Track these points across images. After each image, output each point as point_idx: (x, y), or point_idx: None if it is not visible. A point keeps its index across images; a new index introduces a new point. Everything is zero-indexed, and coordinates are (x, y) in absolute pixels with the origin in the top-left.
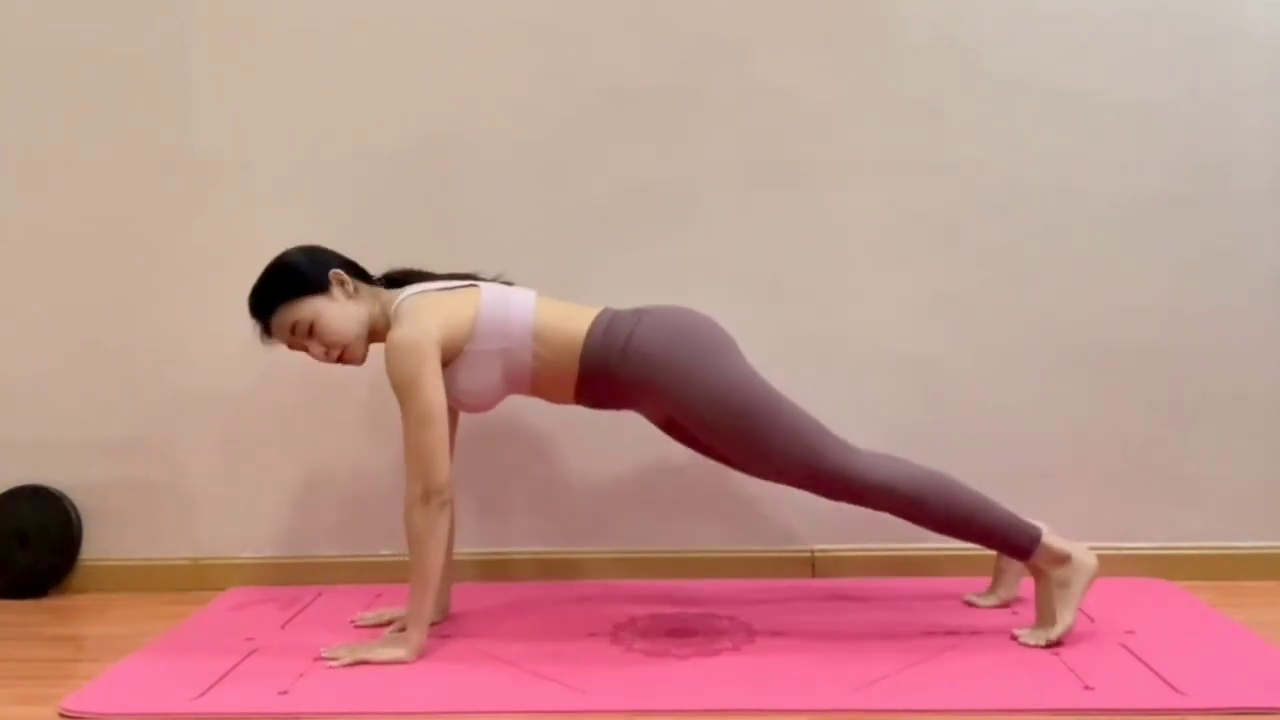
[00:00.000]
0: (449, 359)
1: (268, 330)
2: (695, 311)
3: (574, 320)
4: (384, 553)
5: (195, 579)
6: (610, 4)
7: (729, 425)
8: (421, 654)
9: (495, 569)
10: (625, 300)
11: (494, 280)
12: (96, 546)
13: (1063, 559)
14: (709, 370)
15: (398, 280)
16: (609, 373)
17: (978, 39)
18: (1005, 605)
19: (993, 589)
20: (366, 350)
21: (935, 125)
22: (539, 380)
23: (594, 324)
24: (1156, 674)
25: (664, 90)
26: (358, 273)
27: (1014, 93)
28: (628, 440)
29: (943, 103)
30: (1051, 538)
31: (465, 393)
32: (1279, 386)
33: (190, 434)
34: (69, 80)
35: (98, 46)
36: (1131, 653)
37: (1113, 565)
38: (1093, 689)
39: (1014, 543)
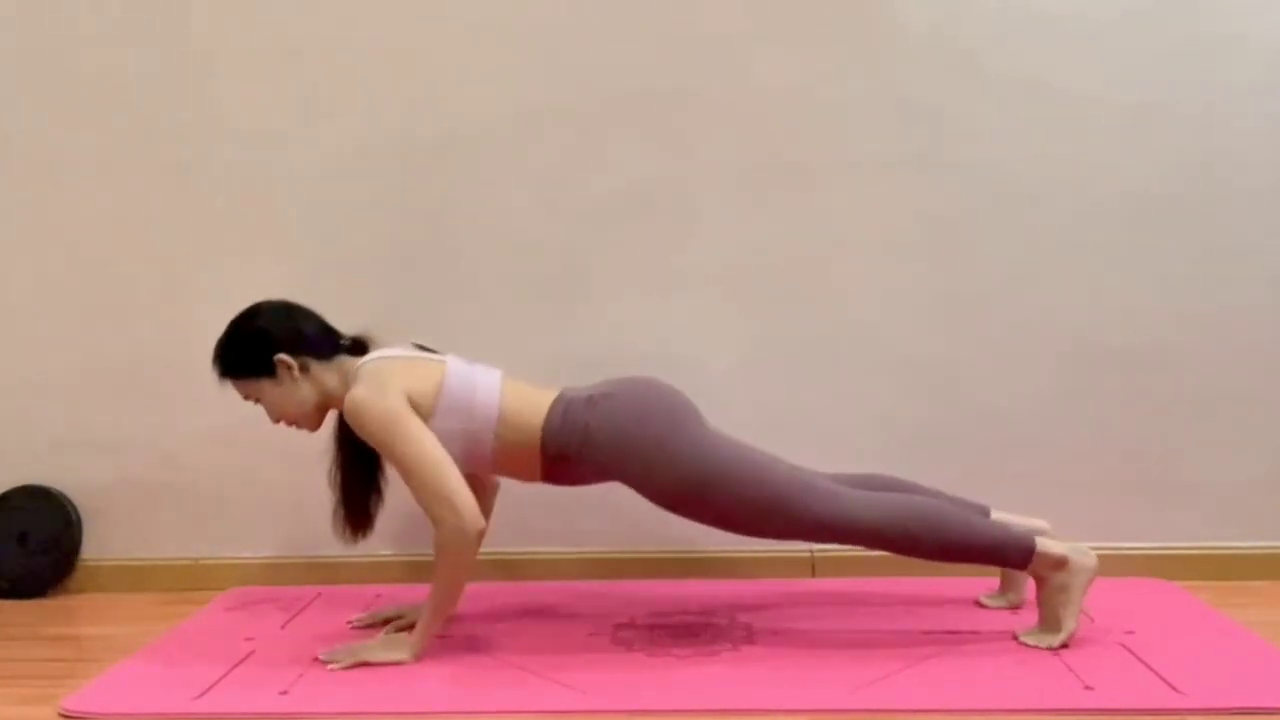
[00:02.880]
0: None
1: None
2: (654, 386)
3: (533, 405)
4: (384, 553)
5: (195, 579)
6: (610, 4)
7: (698, 502)
8: (421, 658)
9: (495, 569)
10: (626, 299)
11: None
12: (96, 546)
13: (1060, 564)
14: (669, 452)
15: (365, 348)
16: (570, 461)
17: (978, 39)
18: (1015, 608)
19: (1002, 591)
20: (319, 421)
21: (935, 125)
22: (500, 462)
23: (550, 412)
24: (1156, 674)
25: (664, 90)
26: (320, 344)
27: (1014, 93)
28: None
29: (943, 103)
30: (1046, 544)
31: None
32: (1278, 387)
33: (190, 434)
34: (72, 84)
35: (99, 50)
36: (1131, 653)
37: (1113, 565)
38: (1093, 689)
39: (1009, 558)
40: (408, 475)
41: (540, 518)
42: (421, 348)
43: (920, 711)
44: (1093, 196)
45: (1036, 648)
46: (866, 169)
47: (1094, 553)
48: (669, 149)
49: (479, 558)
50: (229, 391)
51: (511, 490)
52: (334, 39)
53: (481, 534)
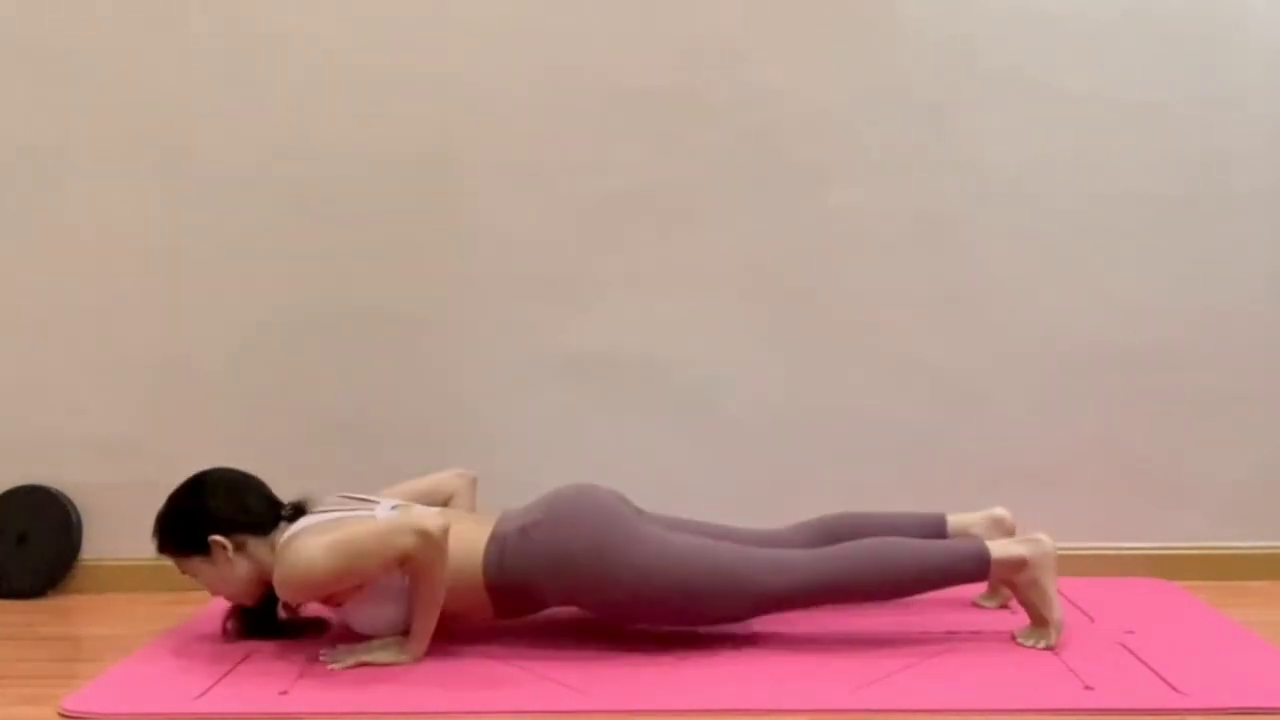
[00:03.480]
0: (346, 594)
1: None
2: (581, 501)
3: (469, 549)
4: None
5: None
6: (610, 4)
7: (653, 607)
8: (421, 659)
9: None
10: (626, 299)
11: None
12: (96, 546)
13: (1020, 564)
14: (612, 570)
15: (302, 511)
16: (519, 598)
17: (978, 39)
18: (1008, 606)
19: (992, 592)
20: (259, 595)
21: (935, 125)
22: (449, 604)
23: (486, 555)
24: (1156, 674)
25: (663, 90)
26: (259, 521)
27: (1014, 93)
28: (626, 440)
29: (943, 103)
30: (1000, 550)
31: (370, 626)
32: (1278, 386)
33: (190, 434)
34: (71, 83)
35: (98, 50)
36: (1131, 653)
37: (1113, 565)
38: (1093, 689)
39: (968, 574)
40: (365, 563)
41: None
42: (350, 497)
43: (920, 711)
44: (1093, 196)
45: (1035, 648)
46: (867, 169)
47: (1049, 538)
48: (669, 149)
49: None
50: (229, 391)
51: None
52: (334, 39)
53: (446, 532)
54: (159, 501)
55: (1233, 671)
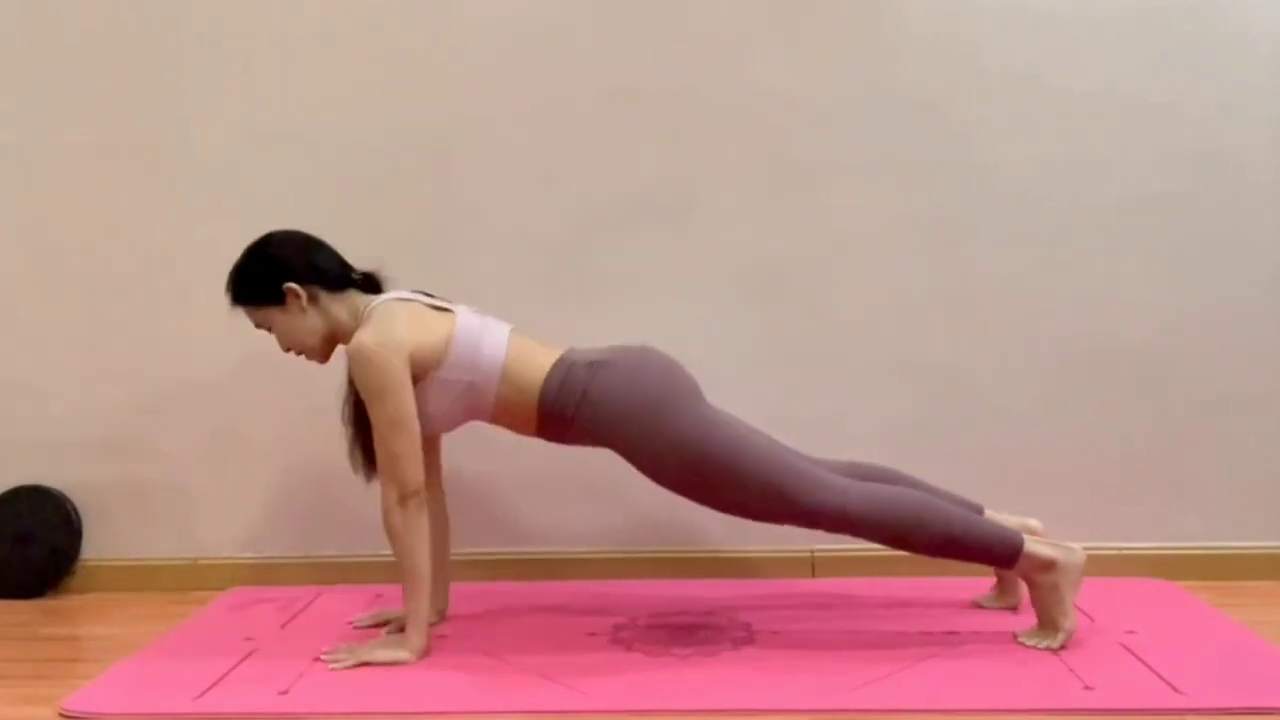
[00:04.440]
0: (415, 379)
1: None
2: (654, 357)
3: (536, 364)
4: (384, 553)
5: (195, 579)
6: (611, 4)
7: (689, 478)
8: (423, 655)
9: (495, 569)
10: (627, 299)
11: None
12: (96, 546)
13: (1048, 566)
14: (664, 425)
15: (377, 285)
16: (566, 423)
17: (978, 39)
18: (1012, 608)
19: (999, 593)
20: (328, 354)
21: (935, 125)
22: (499, 415)
23: (551, 372)
24: (1156, 674)
25: (664, 90)
26: (331, 276)
27: (1014, 92)
28: None
29: (943, 102)
30: (1035, 545)
31: (427, 416)
32: (1278, 386)
33: (190, 434)
34: (69, 83)
35: (95, 48)
36: (1131, 653)
37: (1113, 565)
38: (1093, 689)
39: (996, 556)
40: (376, 433)
41: (540, 518)
42: (433, 297)
43: (920, 711)
44: (1093, 196)
45: (1036, 648)
46: (866, 169)
47: (1081, 549)
48: (669, 149)
49: (473, 556)
50: (229, 392)
51: (511, 490)
52: (334, 37)
53: (422, 506)
54: (159, 501)
55: (1233, 671)
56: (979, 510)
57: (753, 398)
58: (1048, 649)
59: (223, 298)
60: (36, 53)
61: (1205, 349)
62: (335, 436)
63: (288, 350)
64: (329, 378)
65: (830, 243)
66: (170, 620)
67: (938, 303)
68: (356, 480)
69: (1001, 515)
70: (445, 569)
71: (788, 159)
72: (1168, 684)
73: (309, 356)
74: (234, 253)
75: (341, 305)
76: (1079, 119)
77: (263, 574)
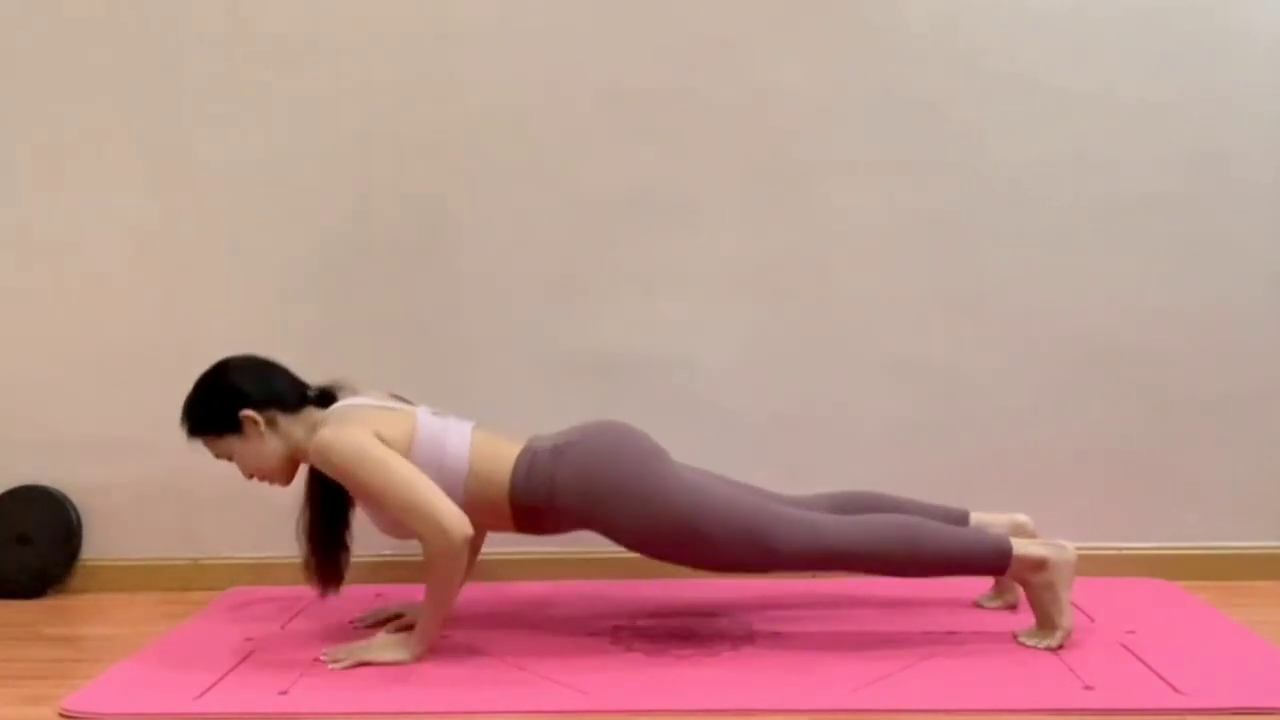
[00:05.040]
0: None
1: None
2: (614, 431)
3: (501, 459)
4: (385, 553)
5: (195, 579)
6: (610, 4)
7: (671, 545)
8: (422, 659)
9: (495, 569)
10: (626, 299)
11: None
12: (96, 546)
13: (1040, 565)
14: (636, 497)
15: (333, 398)
16: (540, 513)
17: (978, 39)
18: (1012, 608)
19: (998, 592)
20: (292, 474)
21: (935, 125)
22: (470, 515)
23: (516, 465)
24: (1156, 674)
25: (664, 90)
26: (287, 398)
27: (1014, 92)
28: None
29: (943, 103)
30: (1024, 547)
31: (390, 520)
32: (1278, 386)
33: None
34: (69, 82)
35: (94, 44)
36: (1131, 653)
37: (1113, 565)
38: (1093, 689)
39: (987, 565)
40: (386, 502)
41: None
42: (395, 396)
43: (920, 711)
44: (1093, 196)
45: (1036, 648)
46: (866, 169)
47: (1072, 546)
48: (669, 149)
49: (480, 558)
50: None
51: None
52: (332, 37)
53: (468, 539)
54: (159, 502)
55: (1233, 671)
56: (964, 515)
57: (753, 398)
58: (1047, 648)
59: (223, 297)
60: (37, 51)
61: (1205, 349)
62: None
63: (250, 477)
64: (328, 377)
65: (830, 243)
66: (170, 620)
67: (938, 303)
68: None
69: (989, 515)
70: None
71: (788, 159)
72: (1168, 684)
73: (272, 480)
74: (234, 252)
75: (299, 424)
76: (1079, 119)
77: (263, 574)
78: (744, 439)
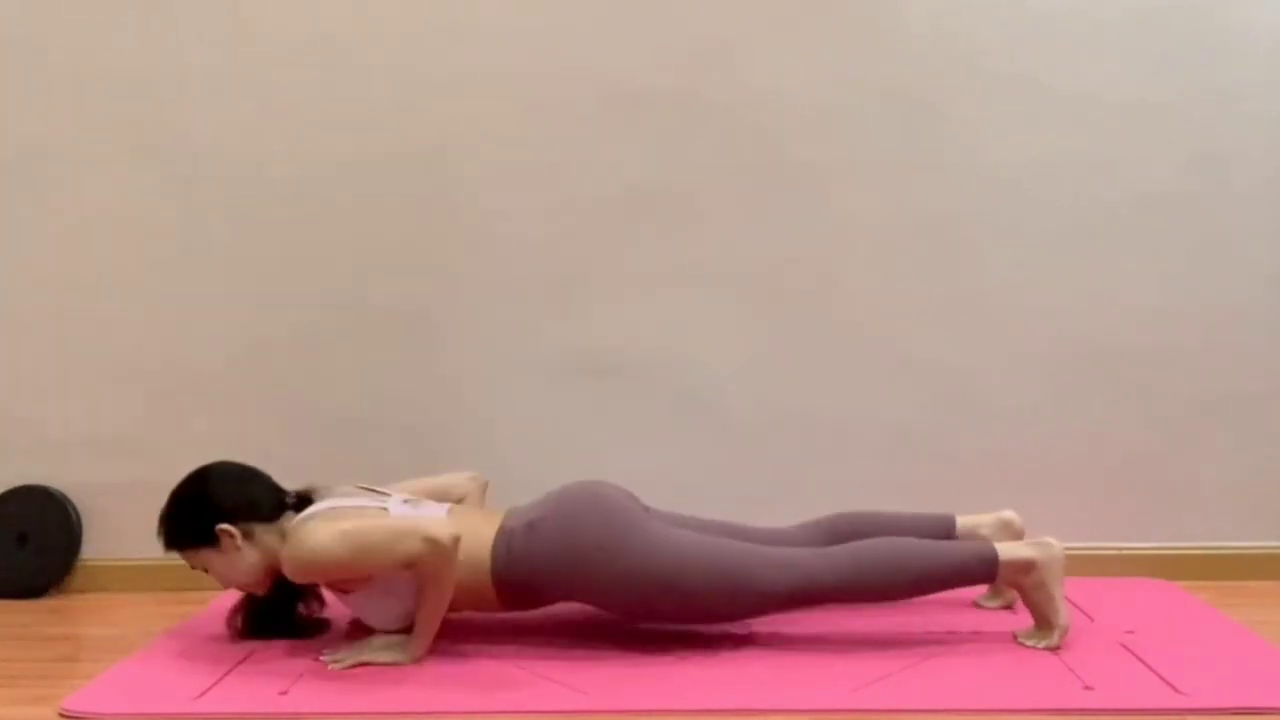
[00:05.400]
0: (355, 583)
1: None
2: (587, 496)
3: (480, 541)
4: None
5: (195, 579)
6: (610, 4)
7: (660, 603)
8: (421, 659)
9: None
10: (626, 299)
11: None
12: (96, 546)
13: (1028, 567)
14: (618, 564)
15: (309, 500)
16: (526, 592)
17: (978, 39)
18: (1009, 607)
19: (995, 593)
20: (269, 583)
21: (935, 125)
22: (456, 602)
23: (494, 549)
24: (1156, 674)
25: (664, 90)
26: (264, 509)
27: (1014, 92)
28: (626, 440)
29: (942, 102)
30: (1009, 551)
31: (378, 619)
32: (1278, 387)
33: (190, 434)
34: (68, 81)
35: (96, 48)
36: (1131, 653)
37: (1113, 565)
38: (1093, 689)
39: (976, 576)
40: (373, 552)
41: None
42: (365, 489)
43: (920, 711)
44: (1093, 196)
45: (1036, 648)
46: (866, 169)
47: (1058, 543)
48: (669, 149)
49: None
50: (229, 391)
51: (513, 491)
52: (331, 39)
53: (457, 539)
54: (159, 501)
55: (1233, 671)
56: (950, 521)
57: (752, 398)
58: (1047, 648)
59: (224, 297)
60: (37, 51)
61: (1205, 349)
62: (336, 436)
63: (227, 588)
64: (329, 377)
65: (830, 242)
66: (170, 620)
67: (938, 303)
68: (357, 480)
69: (976, 516)
70: None
71: (788, 159)
72: (1168, 684)
73: (249, 590)
74: (234, 252)
75: (276, 533)
76: (1079, 119)
77: None
78: (744, 439)
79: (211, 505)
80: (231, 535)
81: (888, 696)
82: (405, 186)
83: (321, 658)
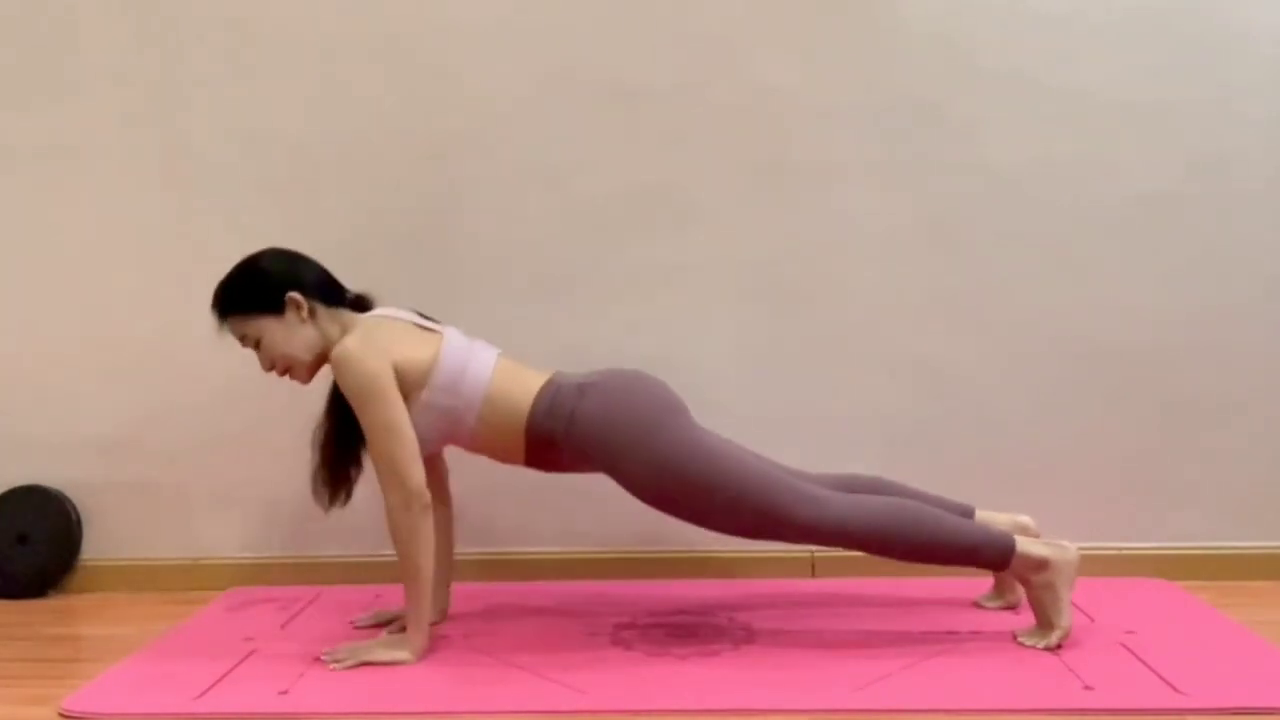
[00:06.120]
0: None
1: (223, 325)
2: (644, 380)
3: (523, 388)
4: (385, 553)
5: (195, 579)
6: (610, 4)
7: (681, 499)
8: (423, 655)
9: (495, 569)
10: (626, 299)
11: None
12: (96, 546)
13: (1041, 565)
14: (654, 445)
15: (368, 306)
16: (554, 446)
17: (977, 39)
18: (1011, 608)
19: (998, 593)
20: (314, 372)
21: (935, 125)
22: (479, 442)
23: (539, 396)
24: (1156, 674)
25: (664, 90)
26: (327, 291)
27: (1014, 92)
28: None
29: (943, 102)
30: (1027, 546)
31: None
32: (1278, 387)
33: (190, 434)
34: (67, 80)
35: (95, 47)
36: (1131, 653)
37: (1113, 565)
38: (1093, 689)
39: (989, 559)
40: (370, 437)
41: (540, 518)
42: (424, 316)
43: (920, 711)
44: (1093, 196)
45: (1035, 648)
46: (866, 169)
47: (1075, 547)
48: (669, 149)
49: (473, 556)
50: (229, 391)
51: (511, 490)
52: (332, 37)
53: (427, 508)
54: (159, 501)
55: (1233, 671)
56: (969, 512)
57: (752, 397)
58: (1046, 648)
59: None
60: (37, 50)
61: (1204, 349)
62: None
63: (272, 368)
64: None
65: (830, 243)
66: (170, 620)
67: (938, 303)
68: (358, 481)
69: (993, 514)
70: (448, 569)
71: (788, 159)
72: (1168, 684)
73: (294, 374)
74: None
75: (335, 322)
76: (1079, 119)
77: (262, 574)
78: (743, 439)
79: (285, 273)
80: (299, 305)
81: (888, 696)
82: (405, 186)
83: (322, 657)
